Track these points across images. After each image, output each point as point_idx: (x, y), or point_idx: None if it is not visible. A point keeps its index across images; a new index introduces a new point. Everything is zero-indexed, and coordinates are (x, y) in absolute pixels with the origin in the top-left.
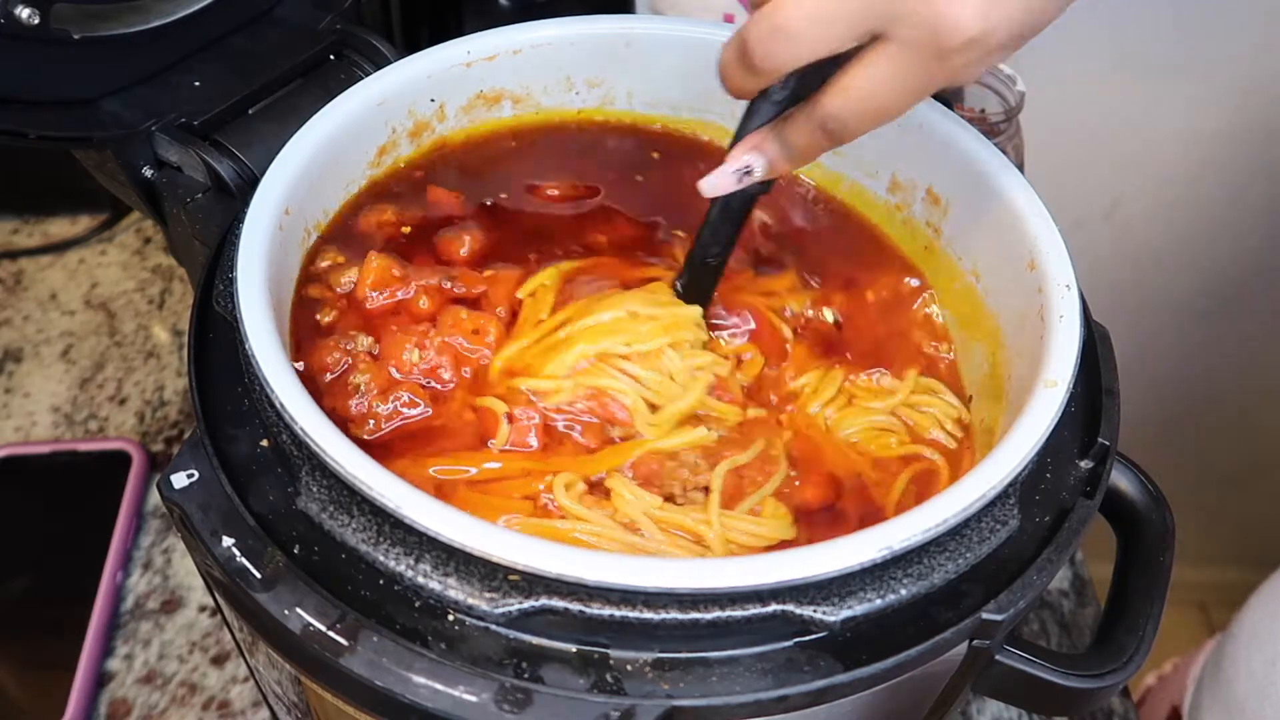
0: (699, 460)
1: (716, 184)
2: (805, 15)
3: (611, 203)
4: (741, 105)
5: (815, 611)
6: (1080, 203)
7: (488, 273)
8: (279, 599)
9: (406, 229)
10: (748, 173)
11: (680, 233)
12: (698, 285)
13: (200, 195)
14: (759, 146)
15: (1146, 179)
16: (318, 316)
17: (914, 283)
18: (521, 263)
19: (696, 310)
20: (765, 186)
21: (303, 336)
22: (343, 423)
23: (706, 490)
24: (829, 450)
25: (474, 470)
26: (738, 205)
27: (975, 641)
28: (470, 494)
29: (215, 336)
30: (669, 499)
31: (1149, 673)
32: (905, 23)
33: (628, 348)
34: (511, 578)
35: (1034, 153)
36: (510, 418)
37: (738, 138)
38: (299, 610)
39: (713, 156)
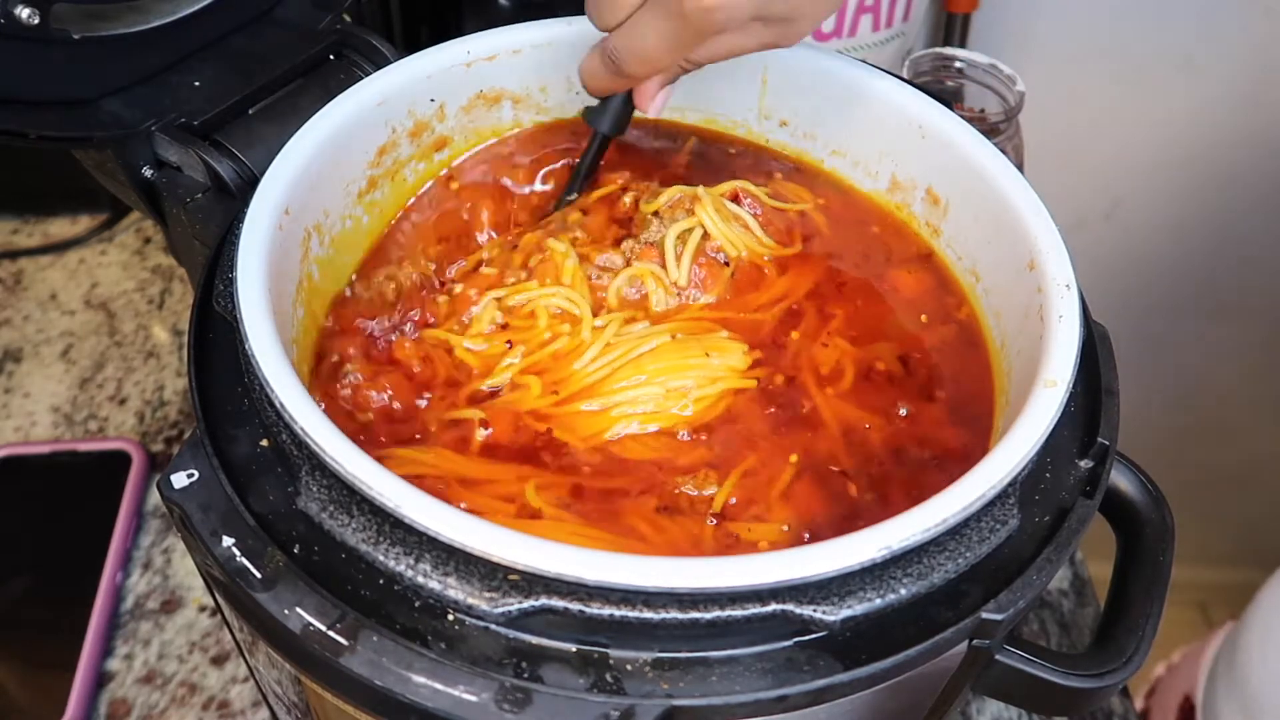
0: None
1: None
2: None
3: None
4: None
5: (815, 611)
6: (1080, 203)
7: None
8: (279, 599)
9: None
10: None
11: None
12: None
13: (200, 195)
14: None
15: (1146, 179)
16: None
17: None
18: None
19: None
20: (612, 128)
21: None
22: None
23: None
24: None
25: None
26: (590, 149)
27: (975, 641)
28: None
29: (215, 336)
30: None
31: (1158, 663)
32: None
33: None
34: (511, 577)
35: (1034, 153)
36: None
37: None
38: (299, 610)
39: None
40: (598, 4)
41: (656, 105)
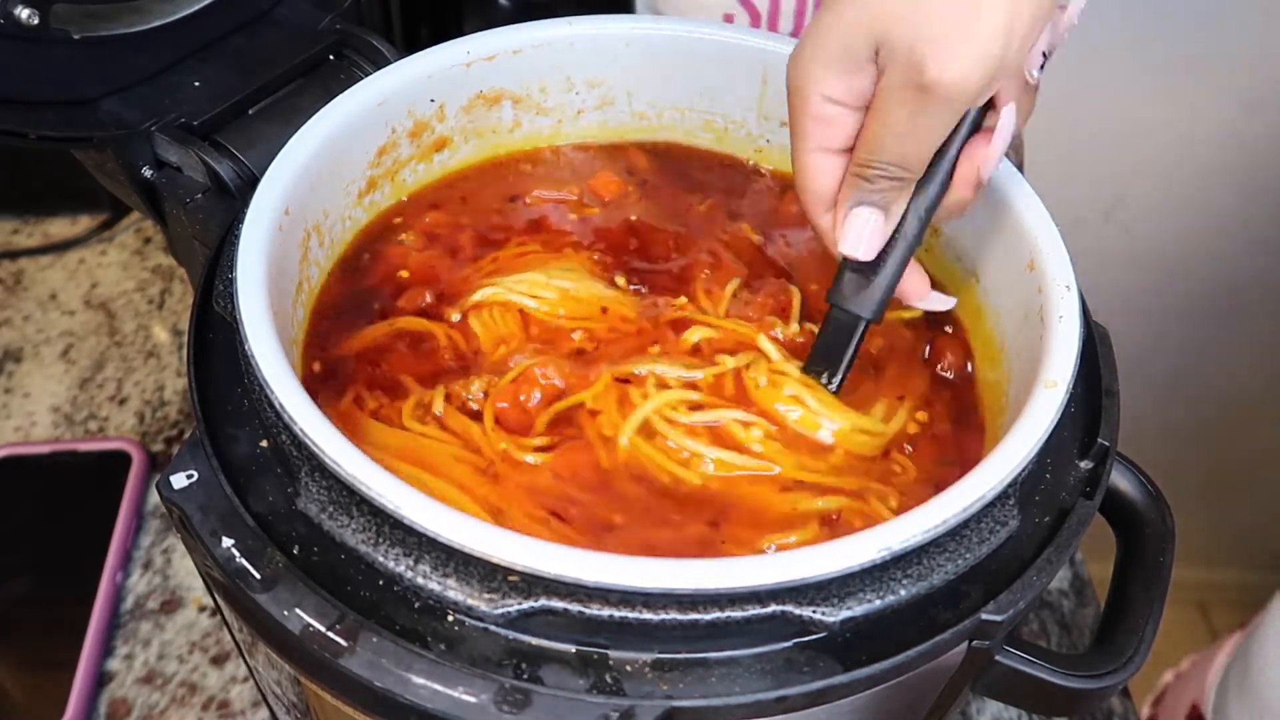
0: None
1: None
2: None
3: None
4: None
5: (815, 612)
6: (1080, 203)
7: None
8: (279, 599)
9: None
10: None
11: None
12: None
13: (200, 195)
14: (879, 194)
15: (1147, 179)
16: None
17: None
18: None
19: None
20: (875, 314)
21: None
22: None
23: None
24: None
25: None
26: (844, 331)
27: (975, 642)
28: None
29: (215, 336)
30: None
31: (1166, 670)
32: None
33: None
34: (511, 578)
35: (1034, 153)
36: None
37: None
38: (299, 610)
39: (711, 159)
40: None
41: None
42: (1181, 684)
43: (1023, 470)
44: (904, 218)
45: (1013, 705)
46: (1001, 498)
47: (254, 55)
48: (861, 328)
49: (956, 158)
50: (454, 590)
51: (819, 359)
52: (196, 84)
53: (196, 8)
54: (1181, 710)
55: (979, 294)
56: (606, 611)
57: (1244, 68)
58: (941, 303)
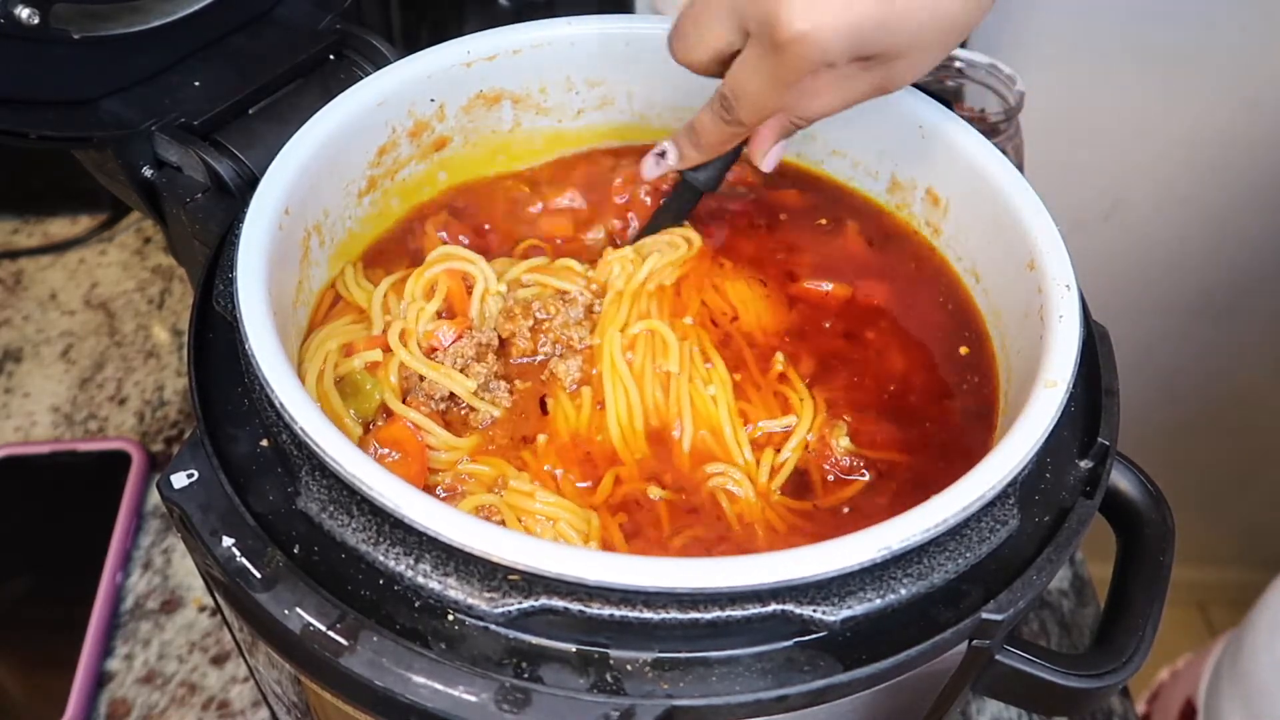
0: None
1: (645, 168)
2: (690, 22)
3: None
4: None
5: (815, 611)
6: (1080, 203)
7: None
8: (279, 599)
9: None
10: (662, 155)
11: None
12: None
13: (200, 195)
14: (675, 136)
15: (1147, 179)
16: None
17: None
18: None
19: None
20: (706, 182)
21: None
22: None
23: None
24: None
25: None
26: (680, 198)
27: (975, 641)
28: None
29: (215, 336)
30: None
31: (1163, 668)
32: (750, 19)
33: None
34: (511, 578)
35: (1034, 153)
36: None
37: None
38: (299, 610)
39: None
40: (680, 36)
41: (770, 159)
42: (1176, 682)
43: (1023, 470)
44: None
45: (1013, 705)
46: (1001, 497)
47: (254, 55)
48: (699, 196)
49: None
50: (454, 589)
51: (665, 219)
52: (196, 84)
53: (196, 8)
54: (1175, 706)
55: (979, 294)
56: (607, 611)
57: (1244, 67)
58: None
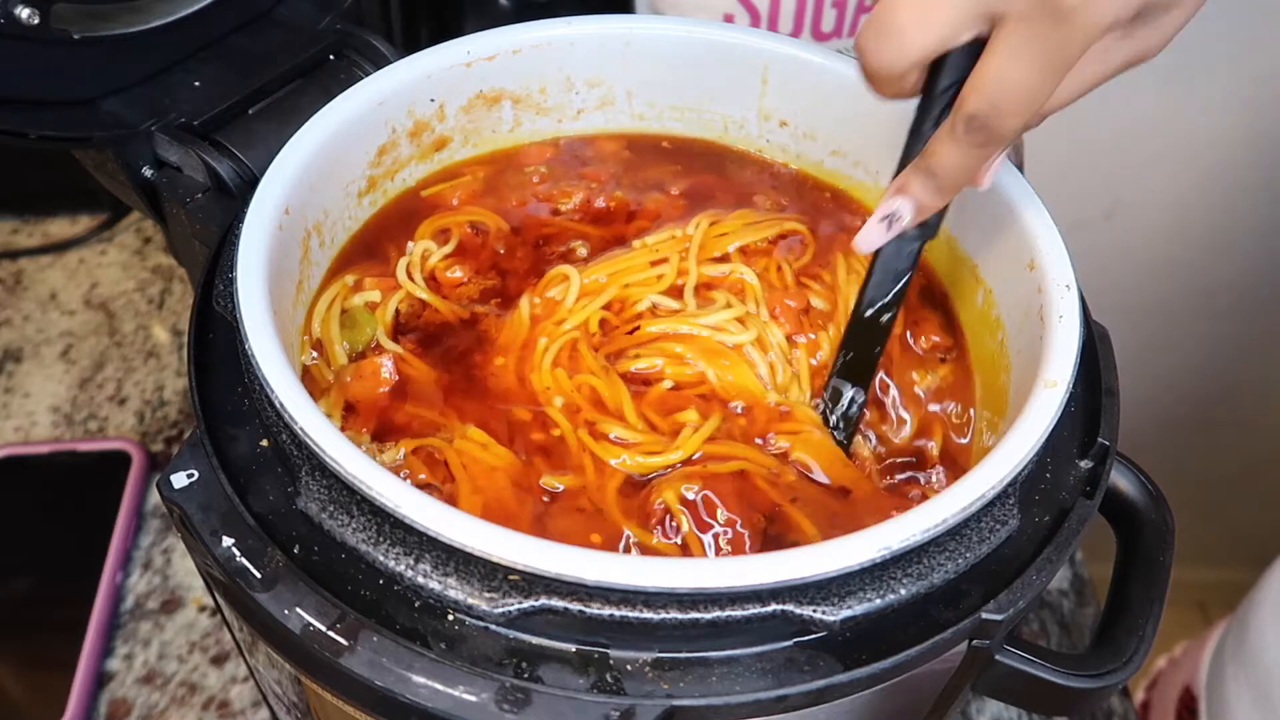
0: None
1: (869, 238)
2: (908, 7)
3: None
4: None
5: (815, 611)
6: (1080, 203)
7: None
8: (279, 599)
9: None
10: (897, 219)
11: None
12: (861, 350)
13: (200, 195)
14: (903, 188)
15: (1147, 179)
16: None
17: None
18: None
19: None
20: (926, 231)
21: None
22: None
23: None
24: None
25: None
26: (899, 256)
27: (975, 641)
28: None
29: (215, 336)
30: None
31: (1159, 656)
32: None
33: None
34: (511, 578)
35: (1034, 153)
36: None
37: (898, 169)
38: (299, 610)
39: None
40: (889, 29)
41: (990, 175)
42: (1174, 669)
43: (1023, 470)
44: None
45: (1013, 705)
46: (1001, 497)
47: (254, 55)
48: (922, 246)
49: None
50: (454, 589)
51: (891, 295)
52: (196, 84)
53: (196, 8)
54: (1174, 693)
55: (979, 294)
56: (607, 610)
57: (1244, 67)
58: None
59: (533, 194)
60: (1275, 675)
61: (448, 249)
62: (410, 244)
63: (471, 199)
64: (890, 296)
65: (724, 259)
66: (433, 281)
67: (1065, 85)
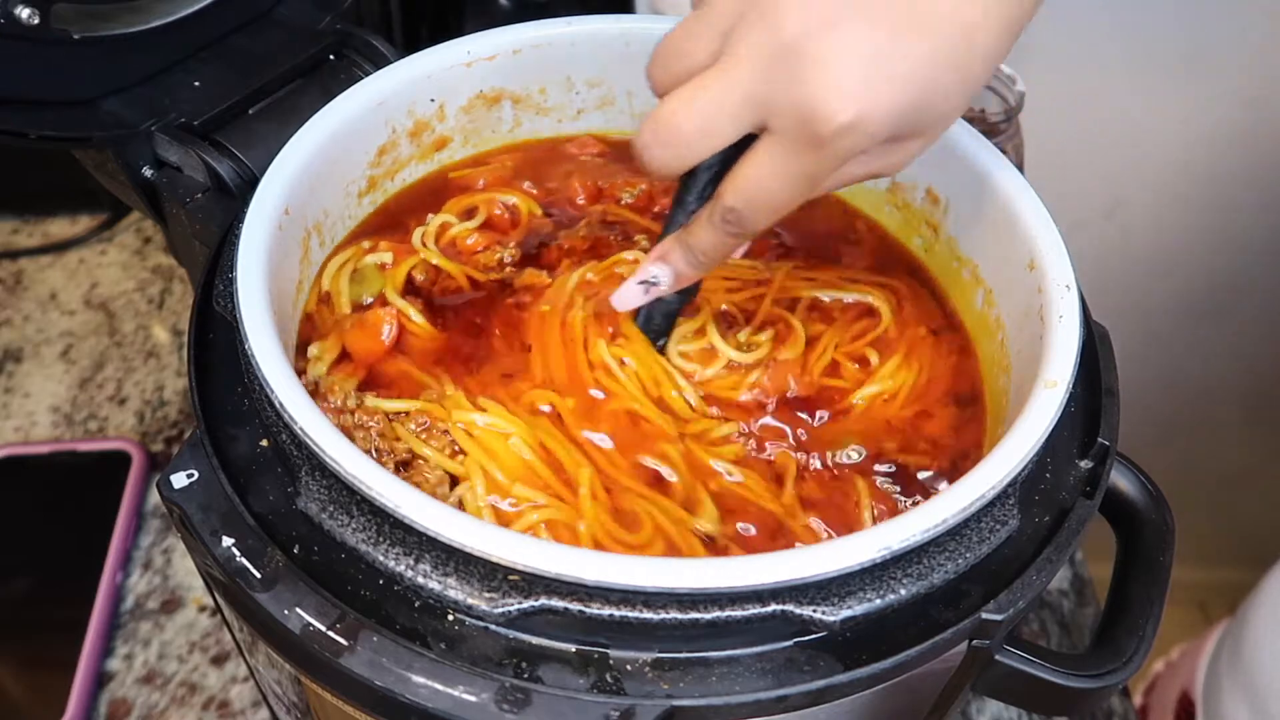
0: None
1: (624, 298)
2: (691, 120)
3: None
4: None
5: (815, 611)
6: (1080, 203)
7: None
8: (279, 599)
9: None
10: (654, 283)
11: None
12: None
13: (200, 195)
14: (664, 256)
15: (1147, 179)
16: None
17: None
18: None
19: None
20: (686, 295)
21: None
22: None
23: None
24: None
25: None
26: (658, 319)
27: (975, 641)
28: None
29: (215, 336)
30: None
31: (1156, 660)
32: (780, 113)
33: None
34: (511, 578)
35: (1034, 153)
36: None
37: (662, 235)
38: (299, 610)
39: None
40: (666, 139)
41: (742, 251)
42: (1171, 673)
43: (1023, 470)
44: None
45: (1013, 705)
46: (1001, 497)
47: (254, 55)
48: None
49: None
50: (454, 589)
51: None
52: (196, 84)
53: (196, 8)
54: (1171, 698)
55: (979, 294)
56: (607, 611)
57: (1244, 67)
58: None
59: (586, 182)
60: (1272, 689)
61: (472, 223)
62: (430, 216)
63: (500, 183)
64: (658, 333)
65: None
66: (451, 249)
67: (814, 191)
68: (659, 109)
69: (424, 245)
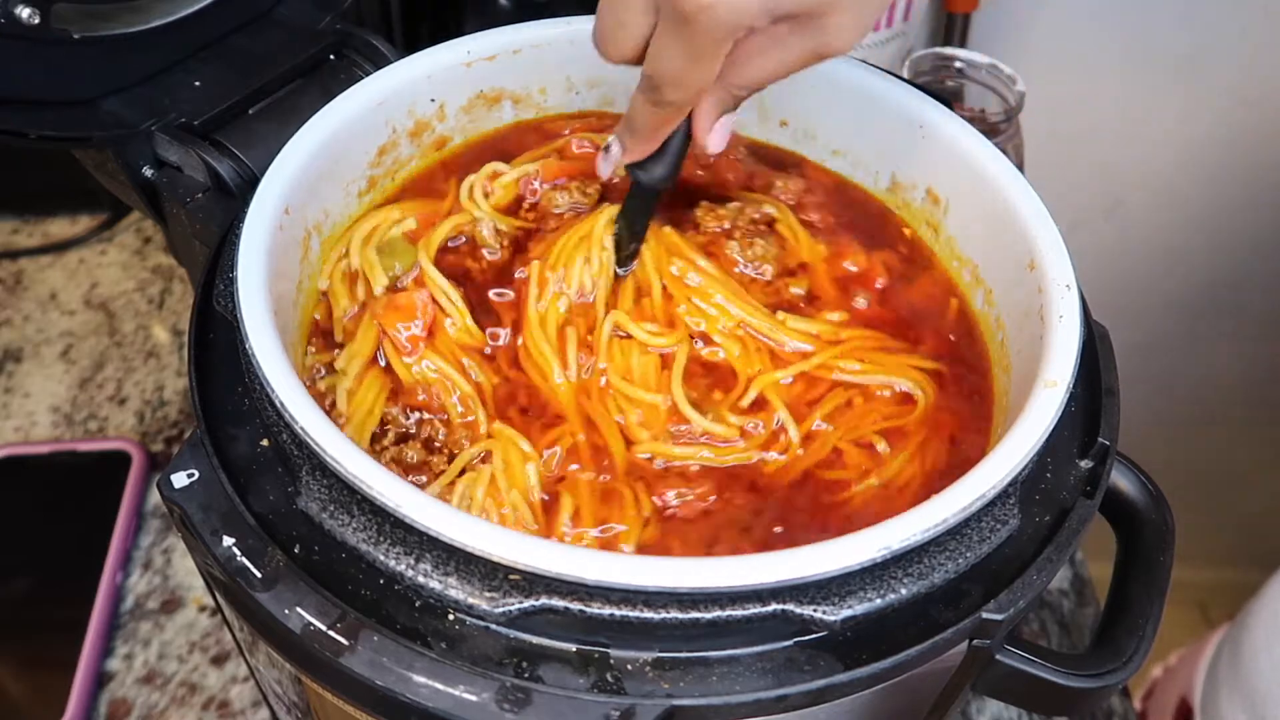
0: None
1: (597, 168)
2: (609, 18)
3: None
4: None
5: (815, 611)
6: (1080, 203)
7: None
8: (279, 599)
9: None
10: (610, 154)
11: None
12: (624, 250)
13: (200, 195)
14: (615, 130)
15: (1147, 179)
16: None
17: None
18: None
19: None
20: (652, 177)
21: None
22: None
23: None
24: None
25: None
26: (640, 196)
27: (975, 641)
28: None
29: (215, 336)
30: None
31: (1154, 665)
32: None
33: None
34: (512, 577)
35: (1034, 153)
36: None
37: None
38: (299, 610)
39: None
40: (603, 34)
41: (716, 138)
42: (1170, 679)
43: (1023, 469)
44: None
45: (1013, 705)
46: (1002, 497)
47: (254, 55)
48: (658, 195)
49: None
50: (455, 589)
51: (626, 223)
52: (196, 84)
53: (196, 8)
54: (1170, 704)
55: (979, 294)
56: (607, 610)
57: (1244, 67)
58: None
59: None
60: (1271, 696)
61: (530, 167)
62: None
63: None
64: (636, 223)
65: None
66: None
67: (743, 71)
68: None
69: (470, 199)
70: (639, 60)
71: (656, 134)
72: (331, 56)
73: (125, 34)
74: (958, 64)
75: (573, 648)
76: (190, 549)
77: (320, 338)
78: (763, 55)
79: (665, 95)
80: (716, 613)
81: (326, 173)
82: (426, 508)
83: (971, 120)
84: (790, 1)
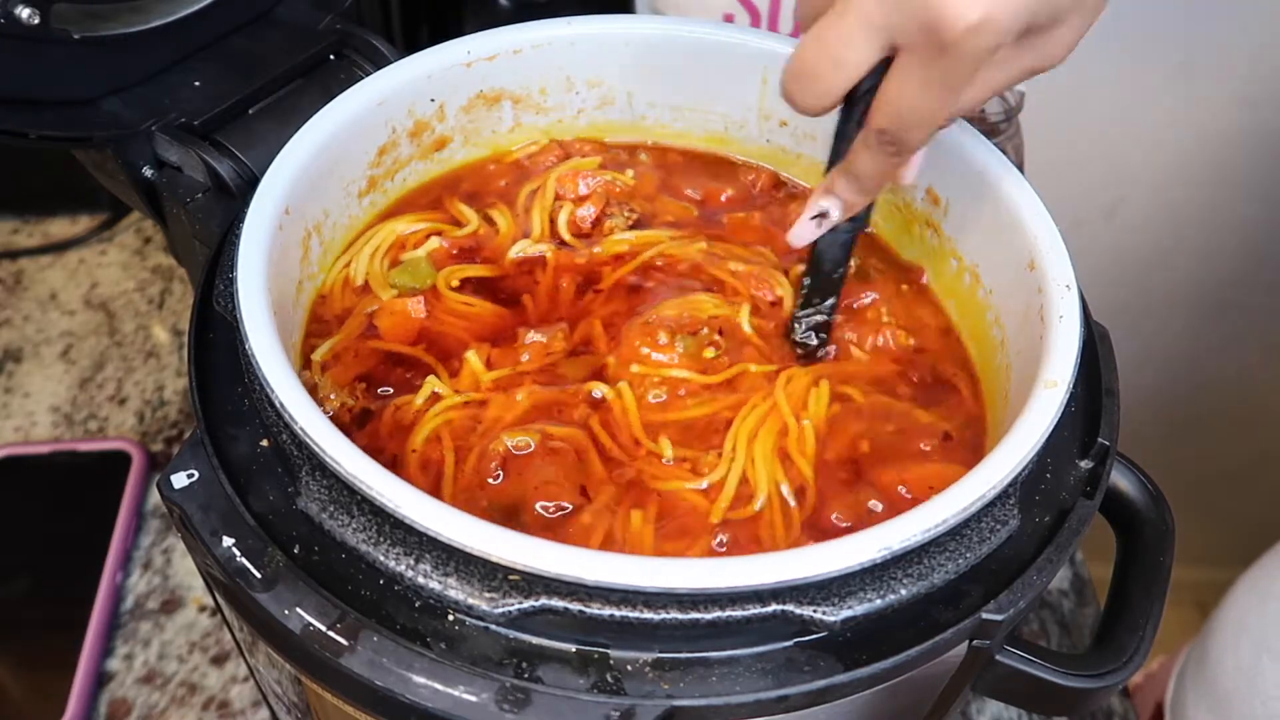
0: None
1: (801, 234)
2: (822, 56)
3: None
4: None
5: (815, 611)
6: (1080, 203)
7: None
8: (279, 599)
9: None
10: (826, 217)
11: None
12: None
13: (200, 195)
14: (830, 188)
15: (1147, 179)
16: None
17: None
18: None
19: None
20: (857, 223)
21: None
22: None
23: None
24: None
25: None
26: (833, 247)
27: (975, 642)
28: None
29: (215, 336)
30: None
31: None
32: (905, 30)
33: None
34: (511, 578)
35: (1034, 153)
36: None
37: (827, 168)
38: (299, 610)
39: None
40: (808, 75)
41: (914, 171)
42: (1149, 684)
43: (1023, 470)
44: None
45: (1013, 705)
46: (1002, 497)
47: (254, 55)
48: (855, 237)
49: None
50: (454, 589)
51: (815, 290)
52: (196, 84)
53: (196, 8)
54: (1147, 710)
55: (979, 294)
56: (607, 611)
57: (1244, 67)
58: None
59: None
60: (1234, 697)
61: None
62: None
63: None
64: (826, 288)
65: None
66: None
67: (968, 94)
68: (794, 51)
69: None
70: (836, 105)
71: (885, 185)
72: (331, 56)
73: (125, 34)
74: None
75: (572, 648)
76: (190, 549)
77: (320, 338)
78: (990, 74)
79: (909, 138)
80: (716, 613)
81: (327, 173)
82: (426, 508)
83: (971, 120)
84: (1042, 14)
